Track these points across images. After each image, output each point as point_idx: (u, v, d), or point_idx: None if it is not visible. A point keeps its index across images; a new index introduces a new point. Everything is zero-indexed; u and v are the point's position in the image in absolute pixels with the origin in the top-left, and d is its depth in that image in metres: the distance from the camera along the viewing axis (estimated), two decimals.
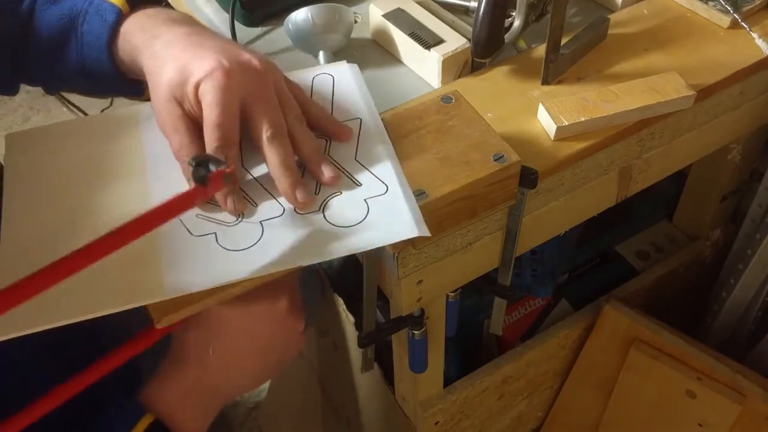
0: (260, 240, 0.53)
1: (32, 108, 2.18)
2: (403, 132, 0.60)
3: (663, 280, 1.04)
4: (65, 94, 2.09)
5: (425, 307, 0.70)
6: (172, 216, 0.48)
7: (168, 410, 0.54)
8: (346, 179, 0.57)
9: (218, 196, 0.55)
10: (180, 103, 0.54)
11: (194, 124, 0.55)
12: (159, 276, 0.50)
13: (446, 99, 0.62)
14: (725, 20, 0.73)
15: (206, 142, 0.53)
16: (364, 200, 0.55)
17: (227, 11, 0.78)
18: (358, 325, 0.85)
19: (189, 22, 0.59)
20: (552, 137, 0.63)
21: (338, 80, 0.65)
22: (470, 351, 1.02)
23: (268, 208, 0.56)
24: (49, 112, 2.13)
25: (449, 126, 0.60)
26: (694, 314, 1.12)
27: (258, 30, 0.80)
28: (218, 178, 0.50)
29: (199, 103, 0.53)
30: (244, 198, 0.56)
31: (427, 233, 0.52)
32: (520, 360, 0.93)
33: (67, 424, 0.53)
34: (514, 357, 0.92)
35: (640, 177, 0.75)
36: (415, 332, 0.72)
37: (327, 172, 0.56)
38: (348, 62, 0.67)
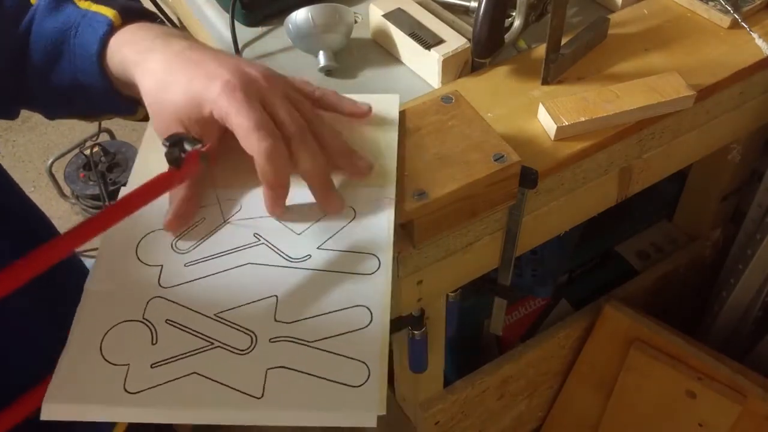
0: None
1: None
2: (404, 132, 0.60)
3: (663, 280, 1.04)
4: None
5: (425, 307, 0.70)
6: (149, 199, 0.46)
7: None
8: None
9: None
10: (186, 127, 0.53)
11: None
12: None
13: (446, 99, 0.62)
14: (725, 20, 0.73)
15: (252, 151, 0.49)
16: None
17: (227, 11, 0.78)
18: None
19: (184, 36, 0.58)
20: (552, 137, 0.63)
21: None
22: (470, 351, 1.02)
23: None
24: None
25: (449, 126, 0.60)
26: (694, 314, 1.12)
27: (258, 30, 0.80)
28: (194, 158, 0.47)
29: (216, 123, 0.51)
30: None
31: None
32: (520, 360, 0.93)
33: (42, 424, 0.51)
34: (514, 357, 0.92)
35: (640, 177, 0.75)
36: (415, 332, 0.72)
37: (360, 161, 0.55)
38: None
